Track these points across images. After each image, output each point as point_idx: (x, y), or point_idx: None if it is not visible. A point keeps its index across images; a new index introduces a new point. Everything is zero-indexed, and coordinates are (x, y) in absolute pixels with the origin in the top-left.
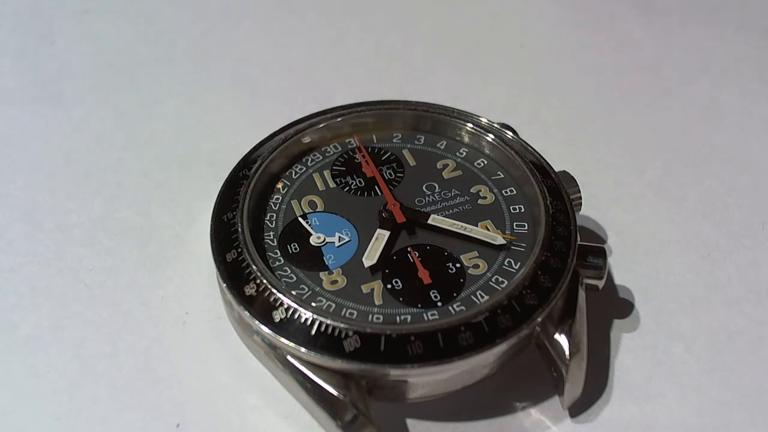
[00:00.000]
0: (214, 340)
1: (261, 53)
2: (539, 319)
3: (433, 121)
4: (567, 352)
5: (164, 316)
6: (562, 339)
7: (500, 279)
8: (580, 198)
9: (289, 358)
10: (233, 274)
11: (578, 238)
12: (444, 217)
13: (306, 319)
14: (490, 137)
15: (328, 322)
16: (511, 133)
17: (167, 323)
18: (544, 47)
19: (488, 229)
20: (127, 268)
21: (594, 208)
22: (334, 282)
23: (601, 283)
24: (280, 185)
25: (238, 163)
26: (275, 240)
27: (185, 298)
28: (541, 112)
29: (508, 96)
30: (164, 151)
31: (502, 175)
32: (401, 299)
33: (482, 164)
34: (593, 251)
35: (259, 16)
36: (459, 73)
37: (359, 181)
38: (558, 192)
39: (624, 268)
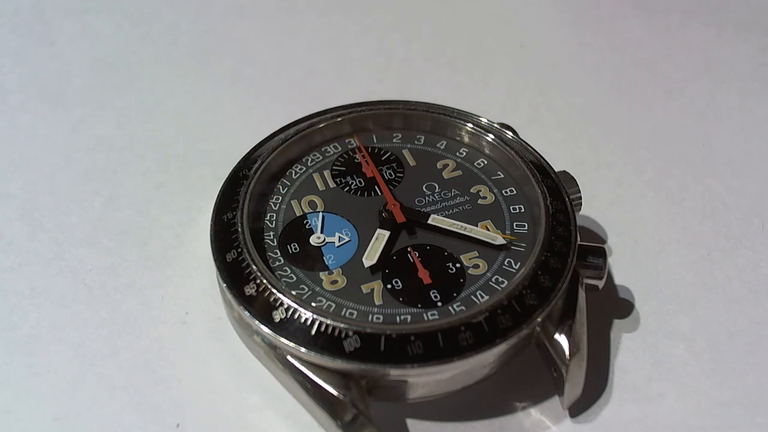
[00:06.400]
0: (214, 340)
1: (261, 53)
2: (539, 319)
3: (433, 121)
4: (567, 352)
5: (164, 316)
6: (562, 339)
7: (500, 279)
8: (580, 198)
9: (289, 358)
10: (233, 274)
11: (578, 238)
12: (444, 217)
13: (306, 319)
14: (490, 137)
15: (328, 322)
16: (511, 133)
17: (167, 323)
18: (544, 47)
19: (488, 229)
20: (127, 268)
21: (594, 208)
22: (334, 282)
23: (601, 283)
24: (280, 185)
25: (238, 163)
26: (275, 240)
27: (185, 298)
28: (541, 112)
29: (508, 96)
30: (164, 151)
31: (502, 175)
32: (401, 299)
33: (482, 164)
34: (593, 251)
35: (259, 16)
36: (459, 73)
37: (359, 181)
38: (558, 192)
39: (624, 268)
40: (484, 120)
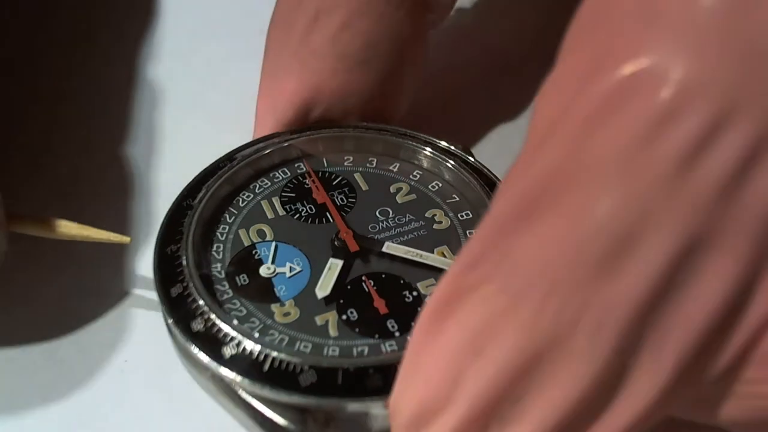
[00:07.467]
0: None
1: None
2: None
3: (384, 143)
4: None
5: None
6: None
7: None
8: None
9: (242, 393)
10: (179, 309)
11: None
12: (398, 244)
13: (258, 354)
14: (444, 159)
15: (282, 356)
16: (466, 155)
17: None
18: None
19: (445, 256)
20: None
21: None
22: (287, 314)
23: None
24: (226, 214)
25: (182, 193)
26: (223, 272)
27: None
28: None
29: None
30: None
31: (458, 198)
32: (357, 330)
33: (437, 187)
34: None
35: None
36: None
37: (310, 208)
38: None
39: None
40: (442, 143)
